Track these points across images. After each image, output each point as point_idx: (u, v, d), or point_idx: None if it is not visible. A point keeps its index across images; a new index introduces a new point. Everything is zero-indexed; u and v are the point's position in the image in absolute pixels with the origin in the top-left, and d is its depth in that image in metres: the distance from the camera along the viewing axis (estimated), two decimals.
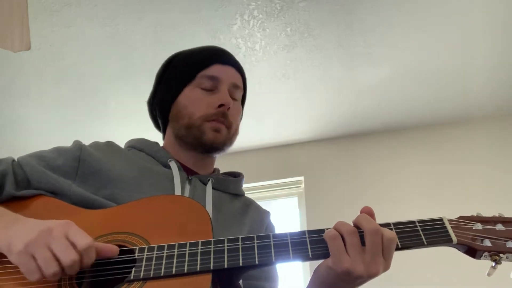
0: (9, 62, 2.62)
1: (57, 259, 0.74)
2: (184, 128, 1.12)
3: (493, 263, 0.79)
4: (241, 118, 1.25)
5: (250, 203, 1.19)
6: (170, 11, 2.35)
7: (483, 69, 2.77)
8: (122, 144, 1.20)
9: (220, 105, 1.11)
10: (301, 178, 3.40)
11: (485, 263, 0.81)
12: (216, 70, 1.16)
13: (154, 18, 2.39)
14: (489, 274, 0.81)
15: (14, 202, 0.93)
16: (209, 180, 1.11)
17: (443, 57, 2.69)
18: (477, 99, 3.04)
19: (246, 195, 1.24)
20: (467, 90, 2.95)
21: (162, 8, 2.33)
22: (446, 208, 2.85)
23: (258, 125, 3.27)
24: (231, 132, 1.15)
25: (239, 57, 2.54)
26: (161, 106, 1.20)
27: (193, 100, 1.13)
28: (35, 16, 2.29)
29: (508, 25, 2.45)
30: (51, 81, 2.80)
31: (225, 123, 1.12)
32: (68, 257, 0.74)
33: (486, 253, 0.80)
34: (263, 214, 1.20)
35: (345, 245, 0.78)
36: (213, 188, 1.11)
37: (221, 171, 1.26)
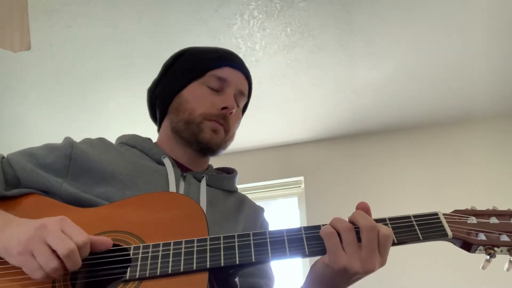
0: (9, 62, 2.63)
1: (54, 252, 0.73)
2: (183, 122, 1.11)
3: (488, 257, 0.80)
4: (237, 126, 1.23)
5: (243, 200, 1.19)
6: (170, 11, 2.35)
7: (483, 69, 2.77)
8: None
9: (224, 108, 1.10)
10: (301, 178, 3.39)
11: (480, 257, 0.81)
12: (226, 72, 1.15)
13: (154, 18, 2.39)
14: (483, 268, 0.81)
15: (4, 201, 0.92)
16: (203, 177, 1.11)
17: (443, 57, 2.68)
18: (477, 99, 3.04)
19: (245, 194, 1.24)
20: (467, 90, 2.95)
21: (162, 8, 2.33)
22: (446, 208, 2.85)
23: (258, 125, 3.27)
24: (228, 137, 1.15)
25: None
26: (163, 96, 1.18)
27: (197, 96, 1.12)
28: (35, 16, 2.29)
29: (508, 25, 2.44)
30: (51, 81, 2.80)
31: (224, 126, 1.11)
32: (65, 246, 0.73)
33: (481, 247, 0.80)
34: (258, 211, 1.20)
35: (341, 242, 0.78)
36: (207, 185, 1.10)
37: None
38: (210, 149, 1.12)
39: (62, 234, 0.75)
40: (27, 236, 0.74)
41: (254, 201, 1.24)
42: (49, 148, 1.01)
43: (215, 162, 1.25)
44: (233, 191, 1.19)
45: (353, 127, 3.33)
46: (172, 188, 1.02)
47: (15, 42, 1.61)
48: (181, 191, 1.05)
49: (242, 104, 1.21)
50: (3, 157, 0.99)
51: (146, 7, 2.32)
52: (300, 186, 3.42)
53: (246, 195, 1.25)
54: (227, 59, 1.18)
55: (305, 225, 3.15)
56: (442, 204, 2.98)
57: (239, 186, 1.23)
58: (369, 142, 3.35)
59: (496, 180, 2.96)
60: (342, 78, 2.84)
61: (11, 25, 1.61)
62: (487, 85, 2.91)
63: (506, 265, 0.80)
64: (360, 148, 3.35)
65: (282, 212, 3.46)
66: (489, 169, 3.02)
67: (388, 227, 0.82)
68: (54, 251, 0.73)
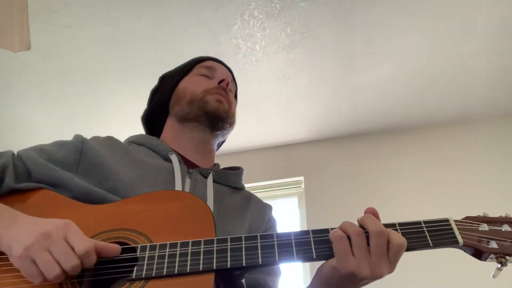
0: (9, 62, 2.62)
1: (58, 263, 0.74)
2: (186, 104, 1.17)
3: (499, 265, 0.79)
4: (235, 110, 1.29)
5: (250, 197, 1.20)
6: (170, 11, 2.35)
7: (483, 69, 2.77)
8: None
9: (221, 81, 1.19)
10: (301, 178, 3.39)
11: (490, 265, 0.81)
12: (211, 63, 1.27)
13: (154, 18, 2.39)
14: (494, 276, 0.80)
15: (13, 195, 0.92)
16: (209, 173, 1.12)
17: (443, 57, 2.69)
18: (477, 99, 3.04)
19: (252, 192, 1.25)
20: (467, 90, 2.95)
21: (162, 8, 2.32)
22: (446, 208, 2.86)
23: (258, 125, 3.27)
24: (231, 112, 1.20)
25: (239, 57, 2.57)
26: (159, 103, 1.24)
27: (193, 82, 1.21)
28: (35, 16, 2.28)
29: (508, 25, 2.45)
30: (51, 81, 2.80)
31: (225, 97, 1.18)
32: (69, 263, 0.73)
33: (492, 255, 0.79)
34: (265, 208, 1.22)
35: (351, 246, 0.78)
36: (213, 181, 1.11)
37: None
38: (219, 118, 1.15)
39: (67, 246, 0.75)
40: (30, 241, 0.74)
41: (262, 200, 1.26)
42: (59, 144, 1.03)
43: (216, 161, 1.26)
44: (240, 188, 1.20)
45: (353, 127, 3.33)
46: (178, 185, 1.02)
47: (15, 42, 1.60)
48: (187, 187, 1.05)
49: (233, 89, 1.30)
50: (13, 153, 1.00)
51: (146, 7, 2.32)
52: (300, 186, 3.42)
53: None
54: (208, 56, 1.31)
55: (305, 225, 3.12)
56: (441, 203, 3.00)
57: None
58: (369, 142, 3.35)
59: (496, 179, 2.96)
60: (342, 78, 2.84)
61: (11, 25, 1.60)
62: (487, 85, 2.91)
63: None
64: (360, 148, 3.35)
65: (282, 212, 3.45)
66: (489, 168, 3.02)
67: (398, 232, 0.81)
68: (56, 260, 0.74)
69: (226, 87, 1.20)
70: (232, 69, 1.33)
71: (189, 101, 1.16)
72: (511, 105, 3.09)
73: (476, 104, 3.09)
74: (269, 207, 1.23)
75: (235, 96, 1.34)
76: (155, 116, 1.26)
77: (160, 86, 1.29)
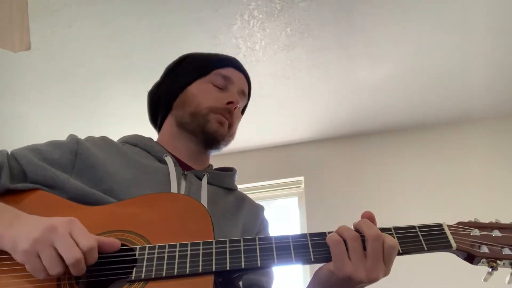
0: (9, 62, 2.62)
1: (61, 258, 0.74)
2: (189, 114, 1.15)
3: (490, 269, 0.80)
4: (237, 126, 1.27)
5: (243, 198, 1.21)
6: (170, 11, 2.35)
7: (483, 69, 2.77)
8: None
9: (229, 103, 1.15)
10: (301, 178, 3.40)
11: (482, 269, 0.82)
12: (230, 71, 1.21)
13: (154, 18, 2.39)
14: (485, 280, 0.81)
15: (9, 195, 0.91)
16: (204, 175, 1.12)
17: (443, 57, 2.69)
18: (477, 99, 3.04)
19: (244, 193, 1.25)
20: (467, 90, 2.95)
21: (162, 8, 2.33)
22: (446, 209, 2.85)
23: (258, 125, 3.27)
24: (230, 132, 1.18)
25: (239, 57, 2.56)
26: (167, 93, 1.22)
27: (203, 91, 1.17)
28: (35, 16, 2.28)
29: (508, 25, 2.45)
30: (51, 81, 2.80)
31: (229, 120, 1.16)
32: (72, 255, 0.73)
33: (483, 260, 0.80)
34: (258, 209, 1.22)
35: (347, 250, 0.79)
36: (208, 183, 1.12)
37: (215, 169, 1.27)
38: (215, 140, 1.15)
39: (71, 240, 0.75)
40: (35, 236, 0.74)
41: (254, 201, 1.26)
42: (54, 144, 1.02)
43: (216, 162, 1.26)
44: (233, 189, 1.20)
45: (353, 127, 3.33)
46: (174, 187, 1.03)
47: (15, 42, 1.60)
48: (182, 189, 1.06)
49: (242, 105, 1.26)
50: (8, 153, 0.98)
51: (146, 7, 2.32)
52: (300, 186, 3.42)
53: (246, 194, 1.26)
54: (231, 61, 1.25)
55: (305, 225, 3.12)
56: (441, 203, 3.00)
57: (239, 186, 1.25)
58: (369, 142, 3.35)
59: (496, 179, 2.96)
60: (342, 78, 2.84)
61: (11, 25, 1.60)
62: (487, 85, 2.91)
63: (508, 278, 0.80)
64: (360, 148, 3.35)
65: (282, 212, 3.46)
66: (488, 169, 3.02)
67: (393, 236, 0.83)
68: (60, 256, 0.74)
69: (233, 110, 1.16)
70: None
71: (192, 113, 1.14)
72: (511, 105, 3.09)
73: (476, 104, 3.09)
74: (261, 208, 1.24)
75: (244, 109, 1.32)
76: (159, 103, 1.24)
77: (177, 68, 1.25)
